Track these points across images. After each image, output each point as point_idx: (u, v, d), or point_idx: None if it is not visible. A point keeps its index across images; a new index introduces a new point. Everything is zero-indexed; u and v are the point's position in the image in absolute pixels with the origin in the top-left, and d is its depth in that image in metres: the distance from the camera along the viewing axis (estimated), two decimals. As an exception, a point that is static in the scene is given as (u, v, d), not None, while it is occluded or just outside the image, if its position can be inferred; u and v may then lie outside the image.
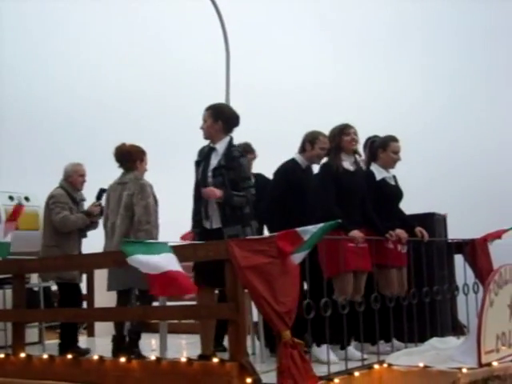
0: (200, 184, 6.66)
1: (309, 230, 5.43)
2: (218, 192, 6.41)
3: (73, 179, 8.35)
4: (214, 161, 6.64)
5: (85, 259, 7.21)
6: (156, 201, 7.60)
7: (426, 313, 7.19)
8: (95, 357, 6.37)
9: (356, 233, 6.70)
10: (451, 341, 7.13)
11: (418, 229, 7.44)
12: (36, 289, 9.24)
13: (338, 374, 5.90)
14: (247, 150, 7.93)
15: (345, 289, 6.70)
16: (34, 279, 9.41)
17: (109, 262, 6.52)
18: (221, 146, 6.63)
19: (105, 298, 8.38)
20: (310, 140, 7.22)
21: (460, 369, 5.97)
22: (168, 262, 5.45)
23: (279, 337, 5.35)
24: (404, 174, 7.95)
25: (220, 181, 6.56)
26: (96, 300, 9.95)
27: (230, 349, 5.63)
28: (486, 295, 6.31)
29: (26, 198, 9.60)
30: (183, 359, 5.87)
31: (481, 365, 6.11)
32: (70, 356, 6.49)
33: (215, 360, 5.65)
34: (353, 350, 6.75)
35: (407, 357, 6.50)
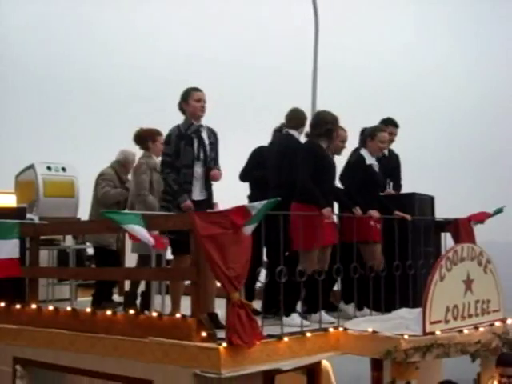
0: (197, 158, 7.33)
1: (255, 207, 6.15)
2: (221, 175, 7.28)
3: (128, 166, 9.19)
4: (205, 137, 7.38)
5: (84, 225, 8.16)
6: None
7: (396, 284, 7.74)
8: (88, 310, 7.32)
9: (329, 210, 7.35)
10: (417, 311, 7.68)
11: (396, 213, 8.02)
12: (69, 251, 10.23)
13: (290, 334, 6.60)
14: None
15: (313, 261, 7.37)
16: (69, 242, 10.42)
17: (103, 229, 7.43)
18: (205, 124, 7.37)
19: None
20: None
21: (402, 335, 6.58)
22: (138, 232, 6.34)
23: (228, 298, 6.11)
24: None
25: (213, 156, 7.34)
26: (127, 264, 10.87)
27: (192, 306, 6.43)
28: (435, 270, 6.85)
29: (63, 169, 10.60)
30: (154, 314, 6.74)
31: (425, 333, 6.69)
32: (69, 308, 7.46)
33: (178, 315, 6.48)
34: (325, 314, 7.42)
35: (368, 323, 7.11)
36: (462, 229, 8.55)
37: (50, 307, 7.69)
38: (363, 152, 8.13)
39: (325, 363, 8.81)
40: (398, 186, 8.96)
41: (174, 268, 7.10)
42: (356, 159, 8.12)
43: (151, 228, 6.54)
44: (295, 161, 7.58)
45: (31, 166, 10.44)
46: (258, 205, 6.17)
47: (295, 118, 8.06)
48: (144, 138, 8.53)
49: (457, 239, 8.45)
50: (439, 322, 6.85)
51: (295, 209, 7.34)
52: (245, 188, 8.55)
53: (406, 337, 6.57)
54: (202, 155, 7.21)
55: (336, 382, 9.80)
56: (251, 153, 8.52)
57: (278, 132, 8.25)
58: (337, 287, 8.46)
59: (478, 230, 8.74)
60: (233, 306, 6.07)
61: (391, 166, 8.89)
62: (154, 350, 6.48)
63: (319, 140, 7.57)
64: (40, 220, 9.70)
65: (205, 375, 6.05)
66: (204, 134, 7.27)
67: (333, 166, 7.80)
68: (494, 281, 7.67)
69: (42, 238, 9.30)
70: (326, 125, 7.56)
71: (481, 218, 8.68)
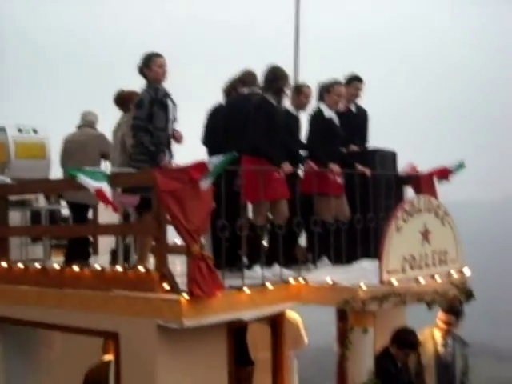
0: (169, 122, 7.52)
1: (213, 162, 6.32)
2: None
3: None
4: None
5: (53, 184, 8.30)
6: None
7: (358, 236, 7.97)
8: (57, 266, 7.50)
9: (287, 165, 7.52)
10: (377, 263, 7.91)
11: (358, 166, 8.24)
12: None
13: (251, 285, 6.81)
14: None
15: (262, 214, 7.59)
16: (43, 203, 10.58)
17: (70, 187, 7.57)
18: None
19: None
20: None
21: (360, 285, 6.81)
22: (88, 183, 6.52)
23: (189, 251, 6.30)
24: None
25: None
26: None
27: (155, 260, 6.61)
28: (391, 221, 7.06)
29: (34, 131, 10.66)
30: (120, 268, 6.93)
31: (382, 282, 6.92)
32: (38, 266, 7.63)
33: (142, 269, 6.67)
34: (284, 269, 7.62)
35: (328, 274, 7.33)
36: (423, 183, 8.76)
37: (20, 265, 7.85)
38: (321, 106, 8.30)
39: (294, 316, 9.05)
40: (364, 141, 9.11)
41: (137, 223, 7.28)
42: (314, 113, 8.30)
43: (115, 185, 6.70)
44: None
45: (2, 129, 10.49)
46: (216, 160, 6.33)
47: (247, 76, 8.23)
48: (125, 99, 8.59)
49: (418, 193, 8.66)
50: (396, 271, 7.08)
51: (246, 162, 7.50)
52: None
53: (363, 286, 6.80)
54: (172, 118, 7.41)
55: (306, 335, 10.02)
56: (208, 115, 8.63)
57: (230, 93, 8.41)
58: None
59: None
60: (193, 258, 6.26)
61: (358, 122, 9.05)
62: (119, 303, 6.68)
63: (270, 96, 7.71)
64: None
65: (167, 326, 6.26)
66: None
67: (292, 121, 7.98)
68: (452, 232, 7.89)
69: (14, 199, 9.47)
70: (276, 81, 7.70)
71: (443, 174, 8.87)
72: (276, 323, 7.78)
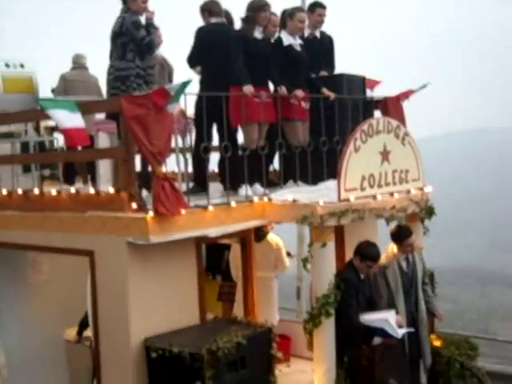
0: None
1: (174, 87, 6.69)
2: None
3: None
4: None
5: (27, 114, 8.71)
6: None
7: (323, 158, 8.34)
8: (36, 191, 7.95)
9: (249, 88, 7.86)
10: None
11: (323, 90, 8.54)
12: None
13: (216, 204, 7.24)
14: None
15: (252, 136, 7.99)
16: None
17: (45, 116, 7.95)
18: None
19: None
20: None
21: (318, 202, 7.21)
22: (68, 119, 6.86)
23: (154, 171, 6.72)
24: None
25: None
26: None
27: (124, 182, 7.03)
28: (350, 142, 7.41)
29: (21, 65, 10.99)
30: (92, 191, 7.39)
31: (340, 200, 7.32)
32: (20, 191, 8.08)
33: (113, 191, 7.10)
34: (258, 186, 8.07)
35: (293, 194, 7.71)
36: (390, 106, 9.07)
37: (4, 191, 8.30)
38: (282, 34, 8.62)
39: (276, 240, 9.51)
40: (330, 67, 9.36)
41: (106, 148, 7.72)
42: (275, 42, 8.59)
43: (86, 112, 7.11)
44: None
45: (-12, 65, 10.85)
46: (176, 86, 6.70)
47: (212, 6, 8.56)
48: None
49: (386, 116, 8.96)
50: (354, 189, 7.45)
51: (232, 90, 7.91)
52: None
53: (321, 203, 7.20)
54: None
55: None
56: (196, 34, 8.73)
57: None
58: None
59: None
60: (157, 178, 6.68)
61: (324, 48, 9.30)
62: (93, 223, 7.15)
63: (245, 26, 8.06)
64: (0, 115, 10.19)
65: (136, 242, 6.73)
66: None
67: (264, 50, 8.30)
68: (413, 152, 8.23)
69: (3, 131, 9.91)
70: (249, 11, 8.05)
71: (407, 94, 9.19)
72: (245, 242, 8.22)
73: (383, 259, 8.10)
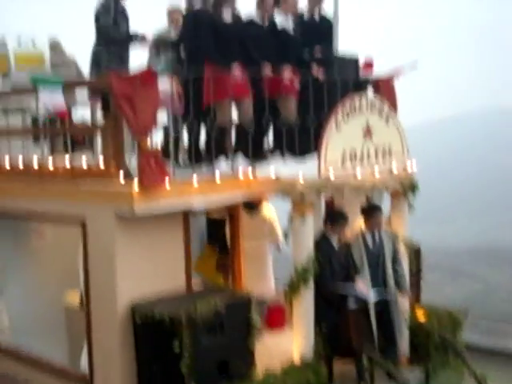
0: None
1: (156, 67, 7.07)
2: None
3: None
4: None
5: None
6: None
7: (311, 133, 8.60)
8: (36, 164, 8.38)
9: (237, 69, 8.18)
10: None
11: (315, 69, 8.81)
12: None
13: (202, 178, 7.58)
14: None
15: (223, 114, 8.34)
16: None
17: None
18: None
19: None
20: None
21: (299, 177, 7.52)
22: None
23: (139, 145, 7.09)
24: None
25: None
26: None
27: (113, 157, 7.41)
28: (331, 118, 7.67)
29: (33, 43, 11.41)
30: (86, 165, 7.81)
31: (320, 175, 7.61)
32: (21, 163, 8.55)
33: (103, 166, 7.49)
34: (243, 160, 8.38)
35: (279, 168, 8.03)
36: (382, 87, 9.27)
37: (7, 164, 8.77)
38: (276, 14, 8.89)
39: (270, 214, 9.86)
40: (327, 51, 9.41)
41: (97, 124, 8.13)
42: (267, 27, 8.83)
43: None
44: None
45: (3, 43, 11.32)
46: (159, 66, 7.09)
47: None
48: None
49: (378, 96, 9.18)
50: (335, 165, 7.71)
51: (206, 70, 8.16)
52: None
53: (301, 179, 7.51)
54: None
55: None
56: (185, 19, 8.95)
57: None
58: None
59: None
60: (142, 152, 7.06)
61: (321, 31, 9.50)
62: (84, 195, 7.60)
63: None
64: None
65: (123, 213, 7.12)
66: None
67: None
68: (398, 131, 8.44)
69: (14, 107, 10.36)
70: None
71: (396, 74, 9.38)
72: (233, 215, 8.55)
73: (351, 235, 8.43)
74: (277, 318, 9.64)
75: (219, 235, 10.19)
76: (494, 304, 36.08)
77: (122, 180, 7.18)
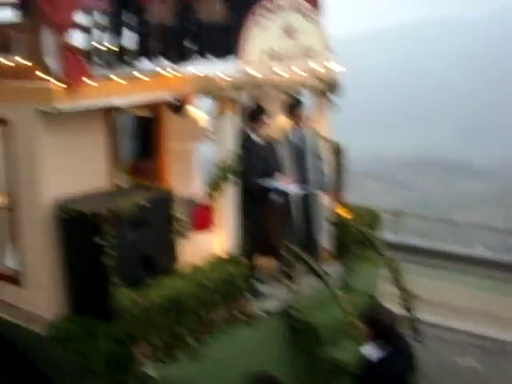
0: None
1: None
2: None
3: None
4: None
5: None
6: None
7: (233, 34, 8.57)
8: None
9: None
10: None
11: None
12: None
13: (124, 75, 7.59)
14: None
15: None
16: None
17: None
18: None
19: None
20: None
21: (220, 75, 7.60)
22: None
23: (58, 42, 7.04)
24: None
25: None
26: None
27: (32, 53, 7.35)
28: (251, 16, 7.70)
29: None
30: (7, 62, 7.71)
31: (239, 72, 7.69)
32: None
33: (25, 62, 7.43)
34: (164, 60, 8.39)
35: (201, 66, 8.09)
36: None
37: None
38: None
39: (200, 113, 9.88)
40: None
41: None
42: None
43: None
44: None
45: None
46: None
47: None
48: None
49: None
50: (254, 62, 7.77)
51: None
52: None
53: (222, 76, 7.59)
54: None
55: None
56: None
57: None
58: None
59: None
60: (62, 48, 7.02)
61: None
62: (5, 92, 7.55)
63: None
64: None
65: (45, 110, 7.12)
66: None
67: None
68: (318, 29, 8.52)
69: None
70: None
71: None
72: (156, 114, 8.59)
73: (273, 132, 8.64)
74: (204, 217, 9.81)
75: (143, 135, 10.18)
76: (429, 211, 37.23)
77: (42, 76, 7.14)
